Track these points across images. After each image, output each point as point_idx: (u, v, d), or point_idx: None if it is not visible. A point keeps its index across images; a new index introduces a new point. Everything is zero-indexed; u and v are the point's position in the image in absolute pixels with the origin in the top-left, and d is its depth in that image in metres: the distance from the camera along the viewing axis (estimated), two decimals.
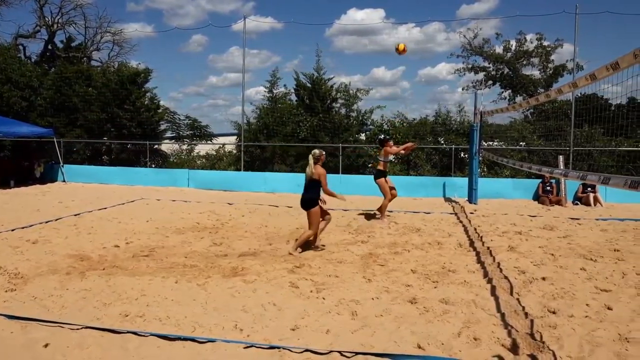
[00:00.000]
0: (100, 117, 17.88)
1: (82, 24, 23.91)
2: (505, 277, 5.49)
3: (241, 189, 14.44)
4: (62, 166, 16.28)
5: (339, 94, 17.17)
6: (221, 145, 19.71)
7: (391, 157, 9.52)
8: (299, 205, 6.73)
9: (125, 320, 4.15)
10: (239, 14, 59.12)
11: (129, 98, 17.80)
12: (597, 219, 9.68)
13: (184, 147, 19.86)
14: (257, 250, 6.84)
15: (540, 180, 12.59)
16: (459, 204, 11.81)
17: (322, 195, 6.70)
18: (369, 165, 15.93)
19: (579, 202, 12.09)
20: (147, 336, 3.81)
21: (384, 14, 44.52)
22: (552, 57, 17.48)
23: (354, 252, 6.68)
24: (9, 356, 3.52)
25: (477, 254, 6.66)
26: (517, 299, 4.77)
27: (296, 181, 14.27)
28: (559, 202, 11.91)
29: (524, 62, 17.88)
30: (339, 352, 3.56)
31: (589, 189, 11.92)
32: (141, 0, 47.11)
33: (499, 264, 6.10)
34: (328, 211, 7.00)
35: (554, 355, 3.54)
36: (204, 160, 19.14)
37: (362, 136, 17.63)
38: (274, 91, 18.08)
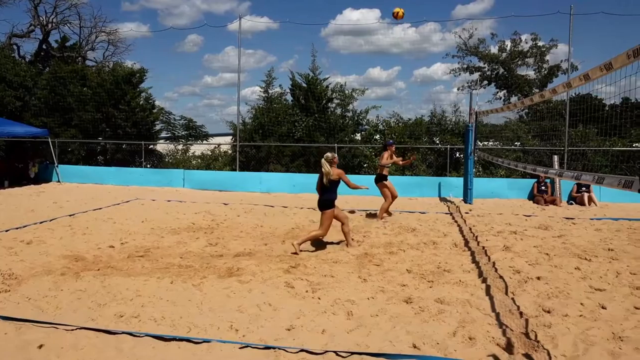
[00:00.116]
0: (95, 117, 17.80)
1: (76, 24, 23.79)
2: (500, 277, 5.51)
3: (236, 189, 14.42)
4: (57, 166, 16.21)
5: (334, 94, 17.18)
6: (216, 146, 19.68)
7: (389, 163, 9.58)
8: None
9: (120, 321, 4.13)
10: (234, 13, 59.00)
11: (124, 98, 17.73)
12: (591, 219, 9.73)
13: (179, 147, 19.81)
14: (252, 250, 6.83)
15: (535, 180, 12.64)
16: (455, 204, 11.84)
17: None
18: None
19: (573, 202, 12.15)
20: (142, 337, 3.80)
21: (379, 14, 44.46)
22: (547, 58, 17.54)
23: (350, 251, 6.68)
24: (3, 357, 3.51)
25: (472, 253, 6.68)
26: (512, 299, 4.78)
27: (291, 181, 14.31)
28: (553, 202, 11.96)
29: (519, 63, 17.92)
30: (335, 352, 3.57)
31: (584, 188, 11.98)
32: (136, 0, 46.96)
33: (494, 263, 6.12)
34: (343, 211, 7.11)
35: (548, 354, 3.56)
36: (199, 160, 19.10)
37: (358, 136, 17.64)
38: (270, 91, 18.06)
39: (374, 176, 9.67)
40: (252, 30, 47.17)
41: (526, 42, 17.62)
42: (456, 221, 9.36)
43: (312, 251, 6.74)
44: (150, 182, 15.37)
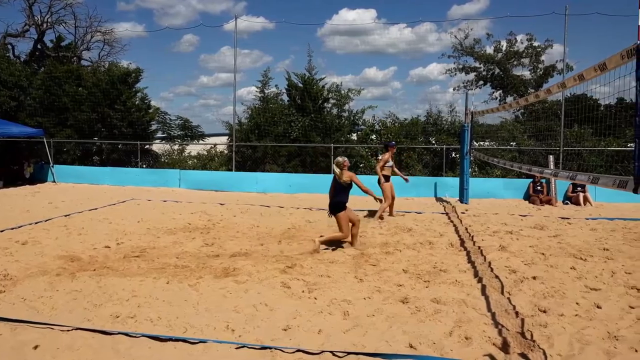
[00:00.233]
0: (91, 117, 17.75)
1: (72, 23, 23.70)
2: (496, 277, 5.53)
3: (233, 189, 14.41)
4: (52, 166, 16.15)
5: (330, 94, 17.18)
6: (212, 146, 19.66)
7: (391, 163, 9.72)
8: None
9: (116, 321, 4.12)
10: (230, 13, 59.01)
11: (119, 98, 17.69)
12: (586, 219, 9.77)
13: (175, 147, 19.78)
14: (248, 250, 6.83)
15: (530, 180, 12.68)
16: (451, 204, 11.87)
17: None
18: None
19: (569, 202, 12.19)
20: (138, 337, 3.79)
21: (375, 14, 44.62)
22: (542, 58, 17.60)
23: (346, 252, 6.69)
24: None
25: (468, 253, 6.69)
26: (508, 298, 4.80)
27: (288, 181, 14.30)
28: (549, 202, 12.00)
29: (515, 63, 17.97)
30: (331, 352, 3.57)
31: (579, 188, 12.03)
32: (131, 0, 46.84)
33: (490, 263, 6.14)
34: (355, 213, 7.23)
35: (544, 353, 3.57)
36: (195, 160, 19.08)
37: (354, 136, 17.66)
38: (266, 91, 18.06)
39: (377, 177, 9.76)
40: (248, 30, 47.12)
41: (521, 43, 17.68)
42: (452, 221, 9.38)
43: (308, 251, 6.73)
44: (146, 182, 15.33)
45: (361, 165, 16.25)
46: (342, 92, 17.22)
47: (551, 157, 13.10)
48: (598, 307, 4.54)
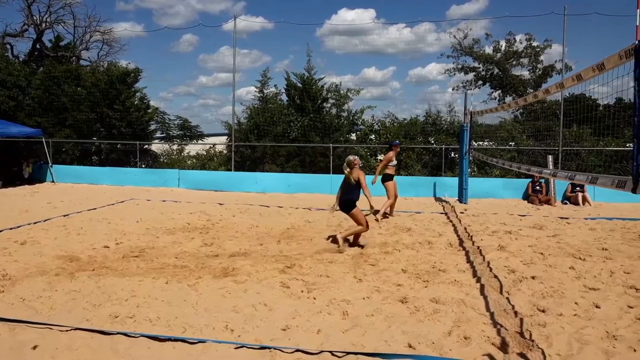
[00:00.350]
0: (90, 117, 17.73)
1: (71, 23, 23.65)
2: (495, 276, 5.53)
3: (232, 189, 14.40)
4: (51, 166, 16.14)
5: (329, 94, 17.18)
6: (212, 146, 19.65)
7: (394, 162, 9.79)
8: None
9: (115, 322, 4.12)
10: (229, 13, 58.97)
11: (118, 98, 17.67)
12: (585, 218, 9.78)
13: (174, 147, 19.76)
14: (248, 250, 6.83)
15: (529, 180, 12.69)
16: (450, 204, 11.87)
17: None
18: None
19: (567, 202, 12.20)
20: (137, 337, 3.79)
21: (374, 14, 44.58)
22: (541, 58, 17.62)
23: (345, 251, 6.69)
24: None
25: (467, 253, 6.70)
26: (507, 298, 4.80)
27: (287, 181, 14.30)
28: (548, 202, 12.01)
29: (514, 63, 17.99)
30: (330, 352, 3.57)
31: (578, 188, 12.04)
32: (131, 0, 46.79)
33: (488, 263, 6.14)
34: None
35: (543, 353, 3.57)
36: (194, 160, 19.06)
37: (353, 136, 17.67)
38: (265, 91, 18.06)
39: (380, 176, 9.83)
40: (247, 30, 47.02)
41: (520, 43, 17.70)
42: (451, 221, 9.39)
43: (307, 251, 6.73)
44: (145, 182, 15.33)
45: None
46: (341, 92, 17.23)
47: (550, 157, 13.10)
48: (597, 306, 4.55)
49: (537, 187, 12.35)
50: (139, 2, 47.38)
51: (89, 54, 25.08)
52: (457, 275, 5.59)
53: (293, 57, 45.52)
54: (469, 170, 12.56)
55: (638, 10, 3.91)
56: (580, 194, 11.89)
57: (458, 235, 7.95)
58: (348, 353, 3.56)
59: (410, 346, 3.69)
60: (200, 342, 3.73)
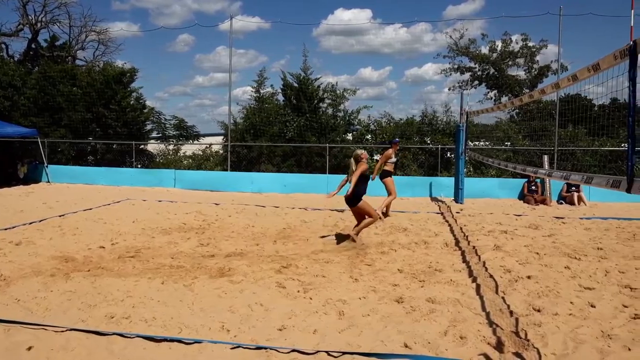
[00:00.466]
0: (85, 117, 17.68)
1: (66, 23, 23.51)
2: (491, 276, 5.55)
3: (228, 189, 14.39)
4: (46, 166, 16.07)
5: (326, 94, 17.20)
6: (208, 146, 19.62)
7: (394, 159, 9.85)
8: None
9: (111, 322, 4.11)
10: (225, 13, 58.80)
11: (114, 98, 17.63)
12: (581, 218, 9.81)
13: (170, 147, 19.73)
14: (244, 250, 6.82)
15: (525, 179, 12.73)
16: (446, 204, 11.89)
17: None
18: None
19: (563, 201, 12.24)
20: (132, 338, 3.78)
21: (371, 14, 44.55)
22: (537, 58, 17.69)
23: (341, 251, 6.69)
24: None
25: (463, 253, 6.71)
26: (503, 298, 4.82)
27: (283, 181, 14.30)
28: (543, 202, 12.05)
29: (510, 63, 18.05)
30: (326, 352, 3.57)
31: (573, 188, 12.08)
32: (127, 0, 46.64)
33: (484, 263, 6.16)
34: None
35: (538, 352, 3.58)
36: (190, 160, 19.02)
37: (349, 136, 17.68)
38: (261, 91, 18.07)
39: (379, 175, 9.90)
40: (243, 30, 47.12)
41: (516, 43, 17.76)
42: (447, 221, 9.41)
43: (303, 251, 6.73)
44: (141, 182, 15.29)
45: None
46: (338, 92, 17.26)
47: (545, 157, 13.16)
48: (592, 306, 4.56)
49: (533, 187, 12.39)
50: (135, 1, 47.25)
51: (85, 53, 25.01)
52: (453, 275, 5.60)
53: (289, 57, 45.56)
54: (465, 170, 12.59)
55: (632, 11, 3.94)
56: (575, 194, 11.94)
57: (454, 235, 7.97)
58: (344, 353, 3.56)
59: (406, 346, 3.69)
60: (196, 342, 3.72)
